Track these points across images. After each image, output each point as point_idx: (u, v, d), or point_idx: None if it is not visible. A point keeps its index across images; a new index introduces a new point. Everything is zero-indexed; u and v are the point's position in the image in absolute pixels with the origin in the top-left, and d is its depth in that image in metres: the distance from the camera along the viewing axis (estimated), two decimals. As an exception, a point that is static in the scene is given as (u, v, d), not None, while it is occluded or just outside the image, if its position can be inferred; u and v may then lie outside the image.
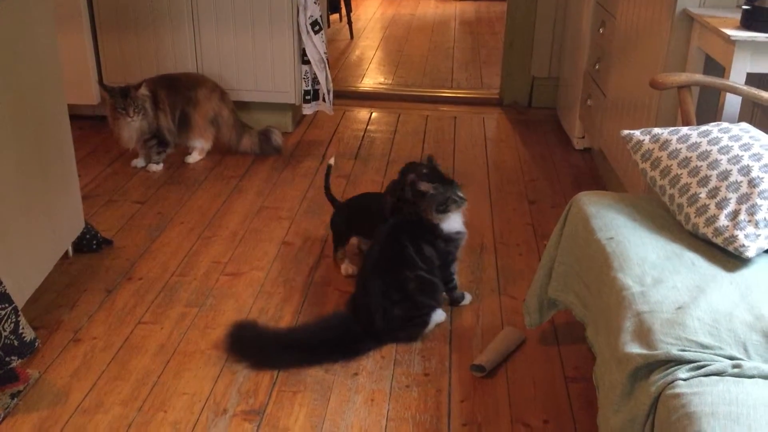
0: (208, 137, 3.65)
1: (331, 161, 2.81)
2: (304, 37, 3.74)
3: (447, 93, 4.86)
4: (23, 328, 2.05)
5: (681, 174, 1.86)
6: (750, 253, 1.67)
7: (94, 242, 2.76)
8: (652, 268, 1.68)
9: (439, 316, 2.37)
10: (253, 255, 2.79)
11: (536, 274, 2.22)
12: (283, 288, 2.57)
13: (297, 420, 1.96)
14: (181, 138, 3.61)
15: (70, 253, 2.70)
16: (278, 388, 2.08)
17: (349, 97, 4.70)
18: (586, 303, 1.93)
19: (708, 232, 1.75)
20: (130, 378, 2.10)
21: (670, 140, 1.94)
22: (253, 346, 2.22)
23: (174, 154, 3.66)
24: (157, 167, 3.53)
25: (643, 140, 2.00)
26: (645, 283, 1.63)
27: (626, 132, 2.06)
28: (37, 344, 2.10)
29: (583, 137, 3.85)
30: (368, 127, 4.22)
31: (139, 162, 3.55)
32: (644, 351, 1.45)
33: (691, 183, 1.82)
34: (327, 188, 2.76)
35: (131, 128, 3.39)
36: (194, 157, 3.65)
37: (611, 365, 1.56)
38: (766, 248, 1.70)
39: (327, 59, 3.86)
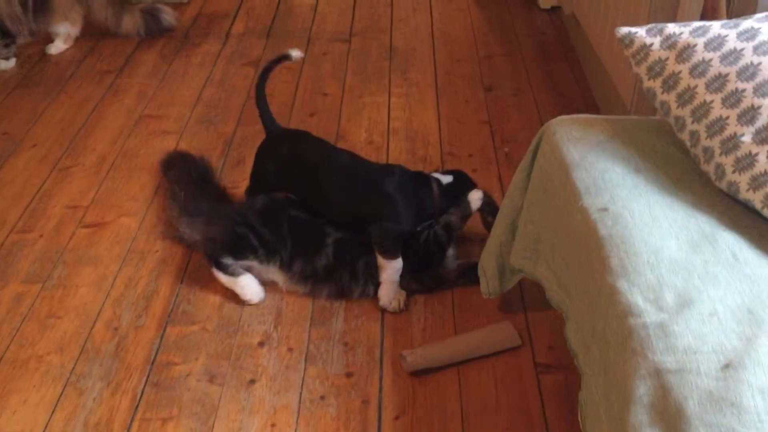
0: (75, 19, 2.87)
1: (294, 53, 1.94)
2: None
3: (384, -61, 3.98)
4: None
5: (711, 102, 1.21)
6: (823, 237, 1.07)
7: None
8: (673, 270, 1.07)
9: (250, 291, 1.75)
10: (125, 192, 2.12)
11: (494, 225, 1.62)
12: (162, 244, 1.93)
13: (167, 465, 1.40)
14: (38, 23, 2.78)
15: None
16: (141, 415, 1.49)
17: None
18: (566, 287, 1.34)
19: (756, 198, 1.14)
20: (-68, 411, 1.50)
21: (694, 45, 1.27)
22: None
23: (32, 43, 2.86)
24: (6, 64, 2.75)
25: (652, 44, 1.32)
26: (664, 306, 1.02)
27: (624, 30, 1.37)
28: None
29: (551, -6, 3.11)
30: (285, -7, 3.40)
31: (-19, 59, 2.76)
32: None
33: (727, 117, 1.19)
34: (260, 96, 1.94)
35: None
36: (57, 47, 2.86)
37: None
38: None
39: None
